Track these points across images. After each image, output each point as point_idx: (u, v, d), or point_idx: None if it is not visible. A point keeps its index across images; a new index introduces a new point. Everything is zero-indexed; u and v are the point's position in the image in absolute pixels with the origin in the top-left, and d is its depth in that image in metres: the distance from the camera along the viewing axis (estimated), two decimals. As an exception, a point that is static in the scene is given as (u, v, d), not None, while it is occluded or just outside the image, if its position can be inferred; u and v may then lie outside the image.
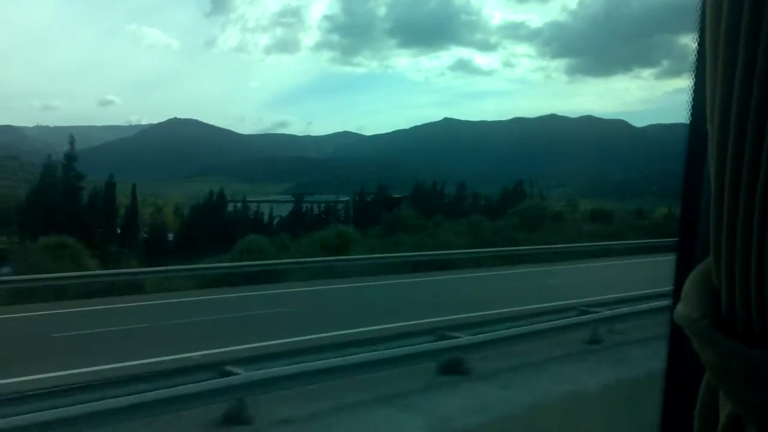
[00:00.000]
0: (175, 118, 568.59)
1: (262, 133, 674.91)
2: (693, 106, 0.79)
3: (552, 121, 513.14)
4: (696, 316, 0.58)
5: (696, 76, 0.73)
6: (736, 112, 0.51)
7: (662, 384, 1.00)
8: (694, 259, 0.64)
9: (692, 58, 0.72)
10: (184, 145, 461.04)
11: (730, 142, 0.52)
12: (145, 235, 65.12)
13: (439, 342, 11.05)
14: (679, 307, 0.61)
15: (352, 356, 9.73)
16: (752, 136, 0.50)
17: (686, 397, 0.70)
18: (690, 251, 0.88)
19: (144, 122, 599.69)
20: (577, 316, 13.12)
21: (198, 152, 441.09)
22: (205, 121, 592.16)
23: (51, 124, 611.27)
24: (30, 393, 7.87)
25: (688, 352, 0.61)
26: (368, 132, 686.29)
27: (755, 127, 0.49)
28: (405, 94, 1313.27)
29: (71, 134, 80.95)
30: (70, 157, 66.08)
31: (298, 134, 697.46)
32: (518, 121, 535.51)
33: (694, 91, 0.77)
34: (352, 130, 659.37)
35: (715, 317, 0.57)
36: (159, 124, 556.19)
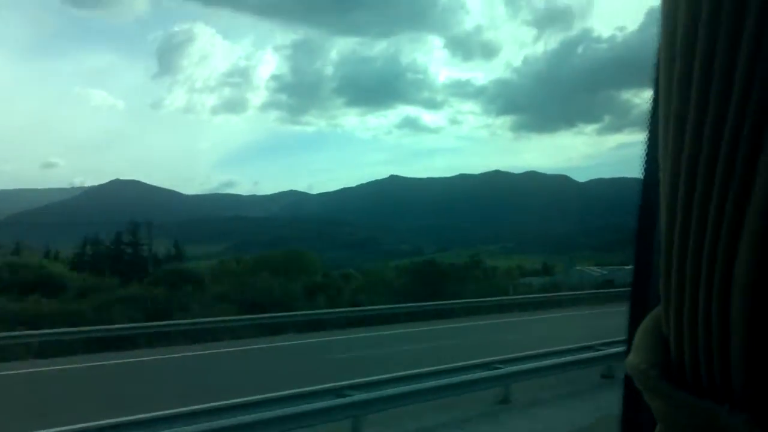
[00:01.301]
0: (117, 179, 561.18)
1: (207, 193, 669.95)
2: (647, 159, 0.81)
3: (496, 176, 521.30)
4: (645, 366, 0.58)
5: (650, 130, 0.74)
6: (686, 166, 0.52)
7: None
8: (646, 309, 0.63)
9: (647, 111, 0.74)
10: (124, 206, 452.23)
11: (680, 196, 0.53)
12: None
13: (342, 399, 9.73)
14: (630, 356, 0.61)
15: None
16: (701, 191, 0.51)
17: None
18: (643, 301, 0.89)
19: (87, 184, 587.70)
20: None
21: (139, 214, 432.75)
22: (148, 182, 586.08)
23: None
24: None
25: (642, 405, 0.60)
26: (315, 190, 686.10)
27: (704, 181, 0.51)
28: (353, 152, 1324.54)
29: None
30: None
31: (244, 194, 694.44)
32: (463, 177, 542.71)
33: (648, 145, 0.79)
34: (300, 189, 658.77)
35: (664, 367, 0.57)
36: (101, 186, 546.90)
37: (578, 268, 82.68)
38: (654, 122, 0.64)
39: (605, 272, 68.69)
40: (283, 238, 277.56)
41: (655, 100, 0.60)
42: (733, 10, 0.48)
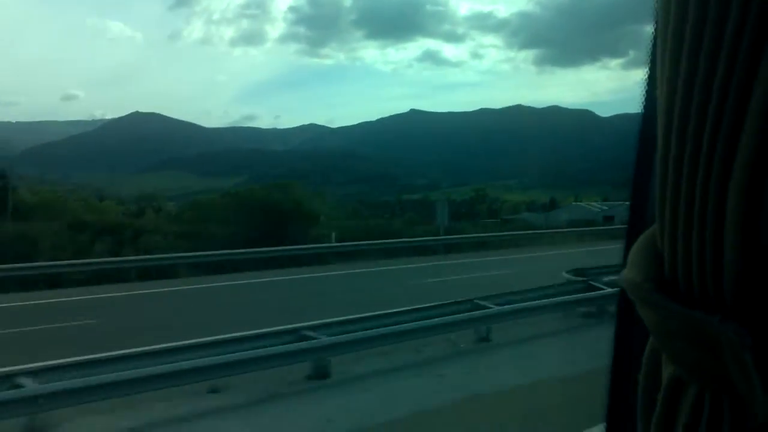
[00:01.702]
0: (137, 112, 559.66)
1: (228, 126, 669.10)
2: (647, 90, 0.86)
3: (517, 111, 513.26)
4: (639, 279, 0.60)
5: (651, 61, 0.77)
6: (683, 87, 0.54)
7: (611, 349, 1.02)
8: (643, 227, 0.65)
9: (649, 44, 0.77)
10: (145, 139, 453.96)
11: (675, 117, 0.55)
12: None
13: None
14: (624, 271, 0.63)
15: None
16: (695, 118, 0.53)
17: (634, 362, 0.72)
18: (640, 221, 0.92)
19: (108, 117, 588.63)
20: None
21: (159, 146, 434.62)
22: (168, 114, 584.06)
23: (13, 120, 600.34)
24: None
25: (636, 317, 0.62)
26: (336, 124, 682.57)
27: (698, 108, 0.53)
28: (373, 86, 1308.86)
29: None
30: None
31: (264, 127, 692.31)
32: (484, 112, 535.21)
33: (649, 77, 0.82)
34: (320, 123, 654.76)
35: (658, 280, 0.59)
36: (120, 119, 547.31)
37: (581, 203, 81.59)
38: (654, 56, 0.66)
39: (605, 208, 67.68)
40: (299, 171, 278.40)
41: (656, 28, 0.61)
42: None
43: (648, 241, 0.63)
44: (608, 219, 43.79)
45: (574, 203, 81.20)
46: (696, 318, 0.54)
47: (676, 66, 0.55)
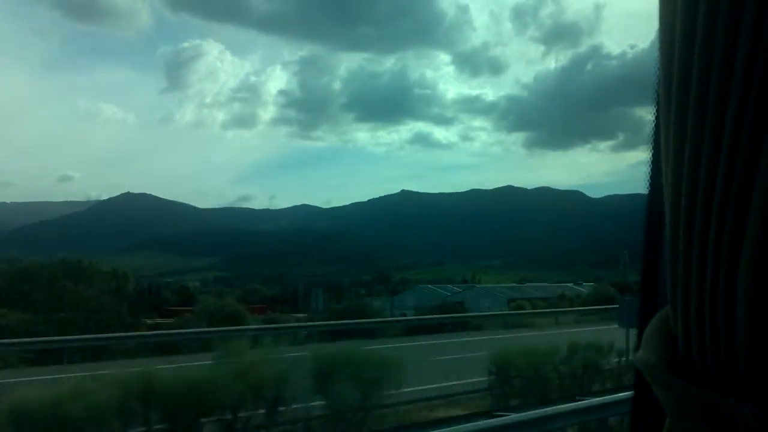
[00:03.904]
0: (128, 192, 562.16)
1: (223, 207, 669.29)
2: (652, 171, 0.87)
3: (508, 192, 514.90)
4: (654, 360, 0.60)
5: (654, 140, 0.78)
6: (688, 171, 0.55)
7: (629, 430, 1.03)
8: (655, 308, 0.66)
9: (650, 129, 0.79)
10: (134, 219, 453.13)
11: (683, 201, 0.56)
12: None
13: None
14: (639, 352, 0.63)
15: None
16: (702, 196, 0.54)
17: None
18: (652, 302, 0.95)
19: (103, 197, 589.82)
20: None
21: (147, 226, 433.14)
22: (161, 195, 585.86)
23: (8, 200, 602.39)
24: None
25: (652, 399, 0.62)
26: (328, 205, 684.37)
27: (706, 185, 0.53)
28: (366, 167, 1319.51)
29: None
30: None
31: (258, 208, 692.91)
32: (475, 193, 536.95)
33: (653, 156, 0.84)
34: (313, 204, 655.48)
35: (672, 361, 0.59)
36: (111, 199, 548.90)
37: (429, 286, 75.61)
38: (657, 135, 0.66)
39: (458, 290, 61.46)
40: (279, 251, 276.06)
41: (657, 114, 0.63)
42: (730, 13, 0.51)
43: (661, 322, 0.63)
44: (456, 305, 38.65)
45: (420, 286, 75.92)
46: (712, 399, 0.54)
47: (680, 152, 0.55)
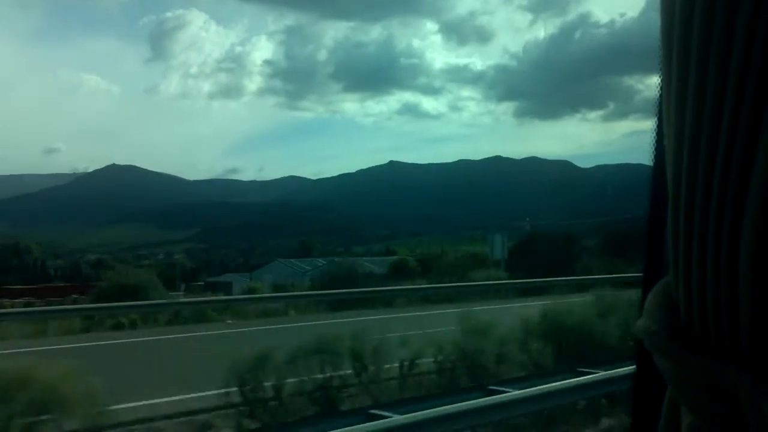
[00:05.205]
0: (114, 164, 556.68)
1: (210, 179, 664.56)
2: (657, 140, 0.86)
3: (496, 162, 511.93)
4: (655, 329, 0.60)
5: (659, 111, 0.76)
6: (689, 142, 0.55)
7: (630, 400, 1.02)
8: (658, 277, 0.65)
9: (656, 96, 0.78)
10: (119, 191, 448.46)
11: (684, 170, 0.56)
12: None
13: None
14: (640, 321, 0.63)
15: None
16: (703, 168, 0.53)
17: (653, 413, 0.72)
18: (655, 271, 0.94)
19: (91, 169, 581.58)
20: None
21: (132, 199, 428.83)
22: (147, 167, 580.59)
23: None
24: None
25: (654, 367, 0.62)
26: (317, 176, 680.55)
27: (706, 159, 0.53)
28: (354, 138, 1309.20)
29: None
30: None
31: (246, 180, 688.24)
32: (463, 163, 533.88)
33: (658, 125, 0.82)
34: (302, 175, 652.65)
35: (673, 330, 0.59)
36: (96, 171, 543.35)
37: (291, 259, 70.20)
38: (661, 107, 0.66)
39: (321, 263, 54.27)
40: (259, 223, 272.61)
41: (661, 87, 0.62)
42: None
43: (663, 291, 0.63)
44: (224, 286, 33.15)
45: (279, 260, 70.88)
46: (712, 367, 0.54)
47: (681, 118, 0.55)
